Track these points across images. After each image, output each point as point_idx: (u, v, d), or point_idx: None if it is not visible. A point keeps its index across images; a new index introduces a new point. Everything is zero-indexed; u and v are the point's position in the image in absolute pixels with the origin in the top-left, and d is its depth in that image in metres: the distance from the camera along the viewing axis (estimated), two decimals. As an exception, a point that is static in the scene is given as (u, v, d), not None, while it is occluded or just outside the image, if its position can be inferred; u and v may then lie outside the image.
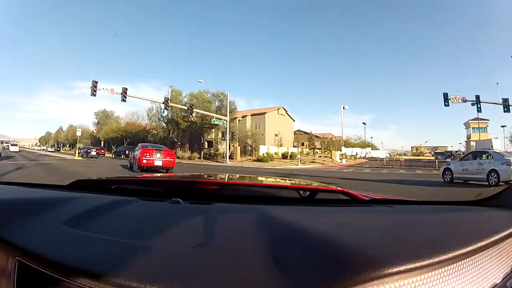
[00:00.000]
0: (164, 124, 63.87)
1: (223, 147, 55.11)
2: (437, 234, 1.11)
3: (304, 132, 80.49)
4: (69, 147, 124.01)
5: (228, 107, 51.17)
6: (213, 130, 59.22)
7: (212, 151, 58.55)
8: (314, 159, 55.18)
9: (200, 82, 52.14)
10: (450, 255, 0.93)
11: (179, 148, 61.37)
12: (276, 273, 0.81)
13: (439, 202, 1.86)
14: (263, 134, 62.69)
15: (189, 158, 53.33)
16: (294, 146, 67.69)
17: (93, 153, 53.75)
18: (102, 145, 76.20)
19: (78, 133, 50.69)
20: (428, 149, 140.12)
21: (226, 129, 49.00)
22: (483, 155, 17.84)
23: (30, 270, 0.98)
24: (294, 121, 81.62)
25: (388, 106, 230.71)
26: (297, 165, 43.88)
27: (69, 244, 1.03)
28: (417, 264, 0.86)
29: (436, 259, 0.89)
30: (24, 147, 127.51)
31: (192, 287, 0.78)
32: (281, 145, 60.79)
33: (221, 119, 49.45)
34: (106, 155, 62.25)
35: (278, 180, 3.40)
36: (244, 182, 2.62)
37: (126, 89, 40.41)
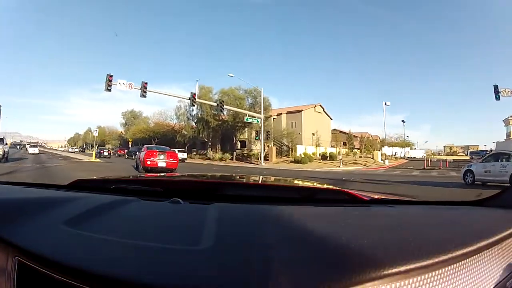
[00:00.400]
0: (194, 124, 60.73)
1: (257, 148, 51.28)
2: (437, 234, 1.13)
3: (341, 132, 74.59)
4: (97, 147, 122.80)
5: (262, 104, 46.79)
6: (246, 129, 55.44)
7: (245, 152, 54.97)
8: (355, 160, 50.39)
9: (231, 77, 47.52)
10: (450, 255, 0.94)
11: (210, 149, 57.96)
12: (276, 273, 0.81)
13: (439, 202, 1.89)
14: (299, 133, 58.08)
15: (221, 159, 50.00)
16: (331, 146, 63.10)
17: (105, 153, 58.13)
18: (130, 145, 74.28)
19: (95, 133, 49.57)
20: (460, 148, 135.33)
21: (261, 127, 44.81)
22: (505, 157, 17.47)
23: (30, 270, 0.99)
24: (331, 119, 75.77)
25: (419, 105, 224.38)
26: (339, 166, 39.57)
27: (69, 244, 1.05)
28: (417, 265, 0.87)
29: (436, 259, 0.91)
30: (52, 148, 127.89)
31: (192, 287, 0.78)
32: (318, 145, 56.50)
33: (255, 117, 45.32)
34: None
35: (279, 180, 3.12)
36: (244, 182, 2.65)
37: (146, 83, 36.32)
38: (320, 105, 70.47)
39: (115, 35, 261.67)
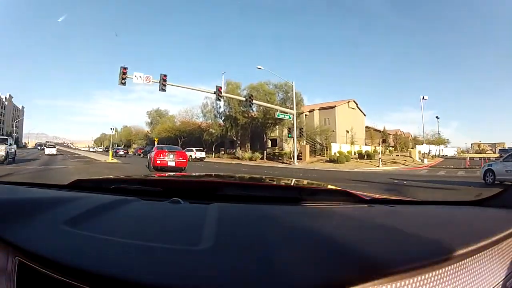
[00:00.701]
0: (221, 121, 58.11)
1: (289, 146, 48.12)
2: (437, 234, 1.15)
3: (374, 129, 70.25)
4: (124, 147, 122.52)
5: (294, 99, 43.60)
6: (277, 127, 52.27)
7: (276, 151, 51.82)
8: (393, 159, 46.38)
9: (259, 74, 45.03)
10: (450, 255, 0.96)
11: (239, 148, 55.27)
12: (276, 272, 0.82)
13: (439, 202, 1.97)
14: (333, 131, 54.18)
15: (250, 159, 47.15)
16: (366, 144, 59.28)
17: (121, 152, 60.59)
18: (156, 144, 71.78)
19: (112, 132, 46.51)
20: (488, 146, 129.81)
21: (293, 124, 41.44)
22: None
23: (30, 270, 0.99)
24: (365, 115, 71.16)
25: (448, 102, 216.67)
26: (378, 166, 36.20)
27: (69, 244, 1.05)
28: (418, 264, 0.88)
29: (437, 259, 0.92)
30: (76, 148, 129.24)
31: (192, 287, 0.79)
32: (353, 143, 52.20)
33: (287, 113, 42.07)
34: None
35: (279, 180, 3.34)
36: (244, 182, 2.66)
37: (165, 76, 34.22)
38: (354, 101, 66.28)
39: (115, 35, 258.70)
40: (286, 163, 41.53)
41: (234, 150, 58.20)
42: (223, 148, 61.46)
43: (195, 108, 75.13)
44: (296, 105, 43.71)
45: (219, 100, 40.78)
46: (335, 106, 59.96)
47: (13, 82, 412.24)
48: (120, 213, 1.38)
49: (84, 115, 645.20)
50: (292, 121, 41.80)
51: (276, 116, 42.49)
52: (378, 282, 0.81)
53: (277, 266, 0.84)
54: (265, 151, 49.96)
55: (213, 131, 58.39)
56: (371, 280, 0.80)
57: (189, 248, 0.95)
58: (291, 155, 42.31)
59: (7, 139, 28.16)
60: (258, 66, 42.75)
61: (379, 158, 38.53)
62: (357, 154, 47.19)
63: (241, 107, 50.23)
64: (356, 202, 1.71)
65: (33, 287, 0.98)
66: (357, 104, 67.44)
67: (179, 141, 70.34)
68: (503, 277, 1.10)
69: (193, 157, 46.21)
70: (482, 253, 1.06)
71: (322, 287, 0.78)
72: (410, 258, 0.89)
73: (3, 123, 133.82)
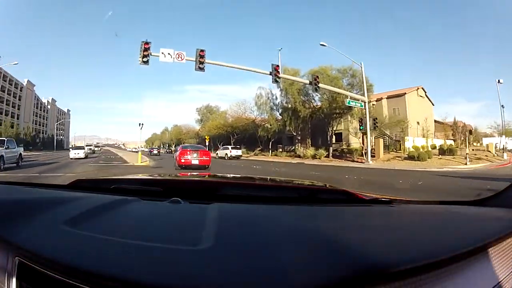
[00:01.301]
0: (278, 114, 52.11)
1: (358, 141, 41.24)
2: (438, 234, 1.18)
3: (436, 121, 60.42)
4: (175, 147, 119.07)
5: (364, 83, 36.35)
6: (343, 119, 45.10)
7: (343, 147, 45.39)
8: (475, 154, 38.02)
9: (320, 60, 38.15)
10: (450, 255, 0.97)
11: (300, 144, 49.73)
12: (276, 273, 0.83)
13: (439, 202, 1.91)
14: (407, 121, 45.48)
15: (314, 157, 41.22)
16: (436, 137, 51.53)
17: (155, 151, 65.51)
18: (207, 143, 67.43)
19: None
20: None
21: (365, 114, 34.98)
22: None
23: (30, 270, 1.01)
24: (433, 105, 61.12)
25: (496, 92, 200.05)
26: (466, 164, 30.01)
27: (69, 244, 1.06)
28: (418, 264, 0.89)
29: (437, 259, 0.93)
30: (123, 149, 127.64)
31: (192, 287, 0.79)
32: (427, 136, 45.19)
33: (357, 100, 34.97)
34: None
35: (278, 180, 3.25)
36: (244, 181, 2.62)
37: (203, 51, 27.20)
38: (422, 88, 57.34)
39: (115, 35, 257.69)
40: (358, 162, 35.38)
41: (293, 147, 52.82)
42: (280, 145, 56.04)
43: (248, 101, 70.61)
44: (366, 91, 36.33)
45: (277, 82, 31.89)
46: (405, 93, 52.09)
47: (70, 87, 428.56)
48: (120, 213, 1.39)
49: (137, 116, 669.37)
50: (361, 111, 35.93)
51: (346, 104, 35.20)
52: (378, 282, 0.82)
53: (277, 266, 0.85)
54: (330, 148, 43.51)
55: (269, 126, 52.92)
56: (371, 280, 0.81)
57: (189, 248, 0.96)
58: (363, 152, 36.38)
59: (4, 140, 24.07)
60: (322, 43, 35.33)
61: (466, 154, 32.25)
62: (436, 149, 39.75)
63: (301, 96, 44.74)
64: (356, 202, 1.73)
65: (33, 287, 1.00)
66: (425, 92, 58.44)
67: (231, 138, 65.87)
68: (503, 277, 1.10)
69: (229, 155, 45.37)
70: (482, 253, 1.08)
71: (323, 287, 0.79)
72: (410, 258, 0.90)
73: (46, 126, 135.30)
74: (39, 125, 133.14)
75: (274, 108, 53.25)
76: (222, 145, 60.81)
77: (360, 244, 0.98)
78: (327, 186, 2.37)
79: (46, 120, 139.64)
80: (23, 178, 17.36)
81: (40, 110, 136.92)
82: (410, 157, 34.33)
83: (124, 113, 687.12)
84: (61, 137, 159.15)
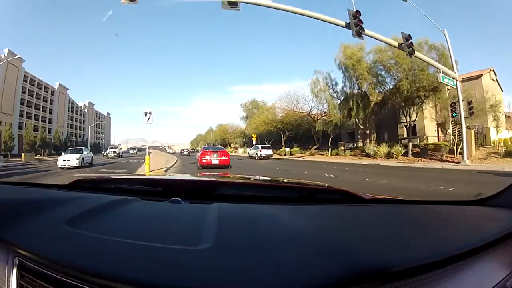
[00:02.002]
0: (339, 102, 41.92)
1: (449, 133, 32.30)
2: (438, 234, 1.21)
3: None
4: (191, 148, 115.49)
5: (451, 56, 27.01)
6: (423, 104, 34.66)
7: (428, 143, 35.41)
8: None
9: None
10: (450, 255, 0.98)
11: (368, 140, 40.73)
12: (275, 272, 0.84)
13: (439, 202, 1.94)
14: (496, 107, 34.65)
15: (388, 156, 32.67)
16: (506, 129, 40.75)
17: (185, 152, 67.68)
18: (254, 142, 60.61)
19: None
20: None
21: (458, 96, 26.17)
22: None
23: (30, 270, 1.02)
24: (502, 91, 48.79)
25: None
26: None
27: (69, 244, 1.07)
28: (418, 264, 0.90)
29: (437, 259, 0.94)
30: (164, 150, 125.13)
31: (192, 286, 0.80)
32: (499, 127, 34.93)
33: (450, 76, 25.74)
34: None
35: (278, 180, 3.11)
36: (244, 182, 2.64)
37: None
38: (493, 71, 46.17)
39: (115, 35, 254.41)
40: (449, 162, 27.02)
41: (354, 144, 45.13)
42: (341, 142, 46.62)
43: (303, 88, 62.89)
44: (455, 65, 27.16)
45: (359, 36, 21.13)
46: (481, 75, 42.07)
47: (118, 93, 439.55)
48: (120, 213, 1.40)
49: (183, 118, 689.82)
50: (456, 89, 26.56)
51: (440, 81, 25.95)
52: (378, 282, 0.83)
53: (277, 266, 0.86)
54: (410, 143, 33.16)
55: (330, 119, 43.55)
56: (371, 280, 0.82)
57: (189, 248, 0.97)
58: (455, 148, 28.11)
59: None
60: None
61: None
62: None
63: (372, 77, 35.68)
64: (356, 202, 1.72)
65: (33, 287, 1.01)
66: (496, 75, 47.28)
67: (282, 136, 58.47)
68: (503, 277, 1.09)
69: (259, 155, 42.19)
70: (482, 252, 1.08)
71: (322, 287, 0.79)
72: (410, 258, 0.92)
73: (83, 130, 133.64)
74: (75, 128, 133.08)
75: (335, 95, 42.75)
76: (271, 144, 55.79)
77: (360, 244, 1.01)
78: (327, 186, 2.32)
79: (83, 123, 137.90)
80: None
81: (76, 113, 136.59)
82: (509, 154, 26.34)
83: (172, 116, 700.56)
84: (101, 140, 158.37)
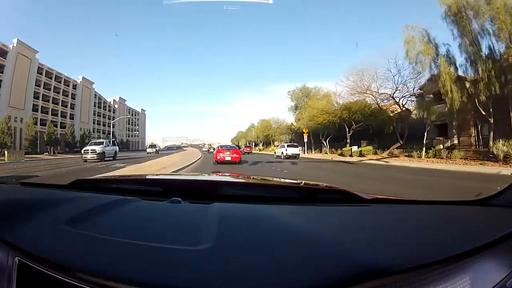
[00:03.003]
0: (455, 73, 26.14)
1: None
2: (438, 234, 1.22)
3: None
4: (262, 145, 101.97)
5: None
6: None
7: None
8: None
9: None
10: (450, 255, 0.98)
11: (491, 133, 25.67)
12: (276, 272, 0.85)
13: (439, 202, 1.91)
14: None
15: None
16: None
17: (211, 150, 62.59)
18: (305, 139, 49.91)
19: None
20: None
21: None
22: None
23: (30, 270, 1.03)
24: None
25: None
26: None
27: (69, 244, 1.09)
28: (418, 264, 0.91)
29: (437, 259, 0.95)
30: (211, 147, 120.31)
31: (192, 287, 0.82)
32: None
33: None
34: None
35: (278, 180, 3.18)
36: (244, 181, 2.68)
37: None
38: None
39: (115, 35, 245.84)
40: None
41: (448, 141, 32.24)
42: (439, 138, 33.57)
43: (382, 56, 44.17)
44: None
45: None
46: None
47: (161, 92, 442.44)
48: (120, 213, 1.41)
49: (225, 117, 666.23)
50: None
51: None
52: (378, 282, 0.84)
53: (277, 267, 0.87)
54: None
55: (449, 95, 26.17)
56: (371, 280, 0.83)
57: (189, 248, 0.97)
58: None
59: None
60: None
61: None
62: None
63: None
64: (356, 202, 1.72)
65: (33, 287, 1.01)
66: None
67: (347, 131, 44.78)
68: (504, 277, 1.06)
69: (284, 155, 39.05)
70: (482, 253, 1.07)
71: (323, 287, 0.81)
72: (410, 258, 0.93)
73: (113, 127, 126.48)
74: (102, 125, 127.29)
75: (447, 61, 26.58)
76: (330, 141, 46.86)
77: (360, 244, 1.01)
78: (327, 186, 2.35)
79: (113, 120, 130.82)
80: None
81: (104, 109, 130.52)
82: None
83: (214, 115, 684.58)
84: (135, 137, 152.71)
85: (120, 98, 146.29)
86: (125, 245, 1.02)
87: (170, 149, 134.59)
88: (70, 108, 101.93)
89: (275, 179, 3.13)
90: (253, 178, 2.95)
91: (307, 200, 1.83)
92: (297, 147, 41.58)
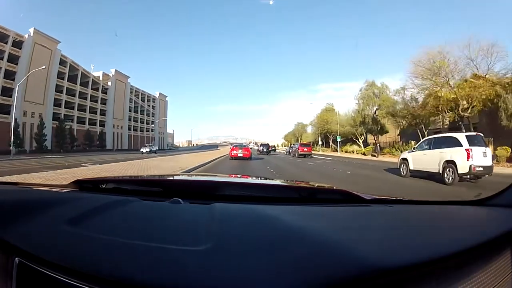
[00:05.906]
0: None
1: None
2: (437, 234, 1.24)
3: None
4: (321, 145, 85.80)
5: None
6: None
7: None
8: None
9: None
10: (450, 255, 1.00)
11: None
12: (276, 273, 0.86)
13: (439, 202, 1.97)
14: None
15: None
16: None
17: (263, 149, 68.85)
18: (376, 143, 45.37)
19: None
20: None
21: None
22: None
23: (30, 270, 1.05)
24: None
25: None
26: None
27: (69, 244, 1.10)
28: (418, 264, 0.93)
29: (436, 259, 0.97)
30: (256, 145, 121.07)
31: (193, 287, 0.83)
32: None
33: None
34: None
35: (278, 180, 3.51)
36: (244, 182, 2.70)
37: None
38: None
39: (115, 35, 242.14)
40: None
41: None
42: None
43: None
44: None
45: None
46: None
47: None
48: (120, 213, 1.42)
49: (273, 117, 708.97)
50: None
51: None
52: (378, 282, 0.85)
53: (277, 267, 0.88)
54: None
55: None
56: (371, 280, 0.84)
57: (189, 248, 0.99)
58: None
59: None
60: None
61: None
62: None
63: None
64: (356, 202, 1.75)
65: (33, 287, 1.03)
66: None
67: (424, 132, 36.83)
68: (504, 277, 1.11)
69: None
70: (482, 253, 1.10)
71: (323, 287, 0.81)
72: (410, 258, 0.94)
73: (151, 123, 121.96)
74: (140, 122, 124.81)
75: None
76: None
77: (360, 244, 1.01)
78: (327, 186, 2.41)
79: (152, 116, 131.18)
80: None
81: (142, 107, 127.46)
82: None
83: (259, 115, 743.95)
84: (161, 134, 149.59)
85: (160, 93, 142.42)
86: (125, 245, 1.03)
87: (203, 148, 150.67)
88: (100, 103, 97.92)
89: (275, 179, 3.59)
90: (253, 178, 3.06)
91: (307, 200, 1.85)
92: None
